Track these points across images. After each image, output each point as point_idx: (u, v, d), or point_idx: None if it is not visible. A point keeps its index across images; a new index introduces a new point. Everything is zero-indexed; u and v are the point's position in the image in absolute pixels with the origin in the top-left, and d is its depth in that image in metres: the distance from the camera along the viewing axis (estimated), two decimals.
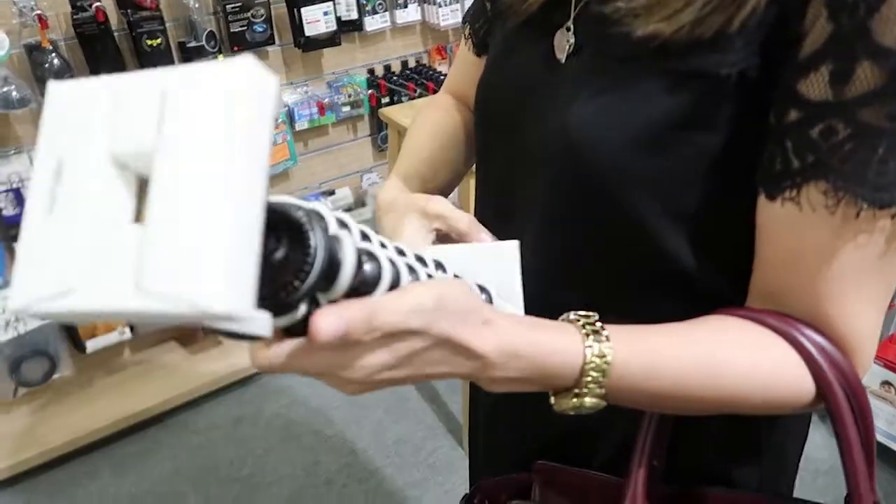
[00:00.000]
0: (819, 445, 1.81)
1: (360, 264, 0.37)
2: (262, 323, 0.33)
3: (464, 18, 0.77)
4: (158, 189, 0.31)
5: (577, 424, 0.49)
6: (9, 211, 1.69)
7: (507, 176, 0.63)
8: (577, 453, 0.61)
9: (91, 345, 1.90)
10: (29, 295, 0.32)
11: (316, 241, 0.34)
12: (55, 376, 1.89)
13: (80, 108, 0.33)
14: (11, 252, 1.74)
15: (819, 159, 0.43)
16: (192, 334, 2.16)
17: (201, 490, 1.86)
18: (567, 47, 0.56)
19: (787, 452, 0.68)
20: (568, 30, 0.56)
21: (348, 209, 2.32)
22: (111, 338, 1.94)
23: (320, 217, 0.36)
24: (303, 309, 0.36)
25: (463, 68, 0.78)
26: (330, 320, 0.35)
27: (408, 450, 1.93)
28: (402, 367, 0.40)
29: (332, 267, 0.36)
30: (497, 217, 0.62)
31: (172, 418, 2.06)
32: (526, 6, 0.59)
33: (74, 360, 1.96)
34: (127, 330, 1.96)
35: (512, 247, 0.52)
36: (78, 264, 0.31)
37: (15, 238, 1.72)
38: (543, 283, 0.52)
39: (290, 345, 0.37)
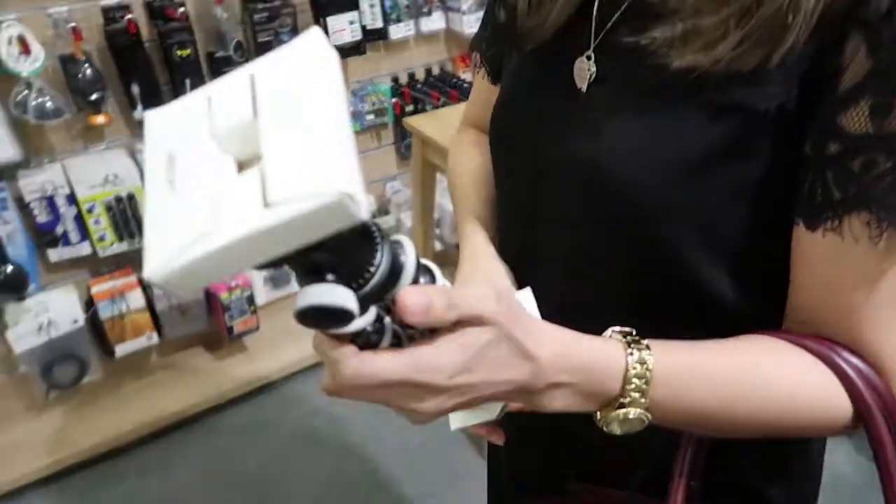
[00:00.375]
0: (842, 461, 1.79)
1: (418, 266, 0.41)
2: (346, 295, 0.36)
3: (471, 45, 0.76)
4: (268, 135, 0.33)
5: (611, 446, 0.50)
6: (42, 218, 1.72)
7: (528, 203, 0.62)
8: (612, 476, 0.62)
9: (120, 349, 1.93)
10: (166, 253, 0.32)
11: (381, 241, 0.38)
12: (85, 380, 1.93)
13: (179, 115, 0.37)
14: (44, 258, 1.78)
15: (861, 191, 0.44)
16: (218, 339, 2.19)
17: (225, 494, 1.88)
18: (588, 76, 0.56)
19: (814, 468, 0.68)
20: (588, 58, 0.56)
21: (372, 216, 2.32)
22: (140, 342, 1.97)
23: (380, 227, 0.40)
24: (372, 313, 0.39)
25: (481, 97, 0.78)
26: (415, 295, 0.38)
27: (429, 458, 1.94)
28: (474, 371, 0.41)
29: (396, 265, 0.39)
30: (523, 248, 0.63)
31: (198, 423, 2.08)
32: (541, 32, 0.58)
33: (104, 365, 2.00)
34: (154, 335, 1.99)
35: (527, 295, 0.57)
36: (206, 215, 0.32)
37: (49, 244, 1.75)
38: (576, 315, 0.51)
39: (376, 356, 0.39)
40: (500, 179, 0.68)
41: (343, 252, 0.36)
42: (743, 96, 0.47)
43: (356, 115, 2.16)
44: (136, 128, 1.84)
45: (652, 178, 0.50)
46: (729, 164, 0.48)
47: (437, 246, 2.40)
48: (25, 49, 1.57)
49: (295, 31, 1.95)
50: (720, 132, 0.48)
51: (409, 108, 2.26)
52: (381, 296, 0.39)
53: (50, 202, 1.71)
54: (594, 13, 0.56)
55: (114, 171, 1.75)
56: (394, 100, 2.23)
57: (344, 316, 0.36)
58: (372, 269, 0.37)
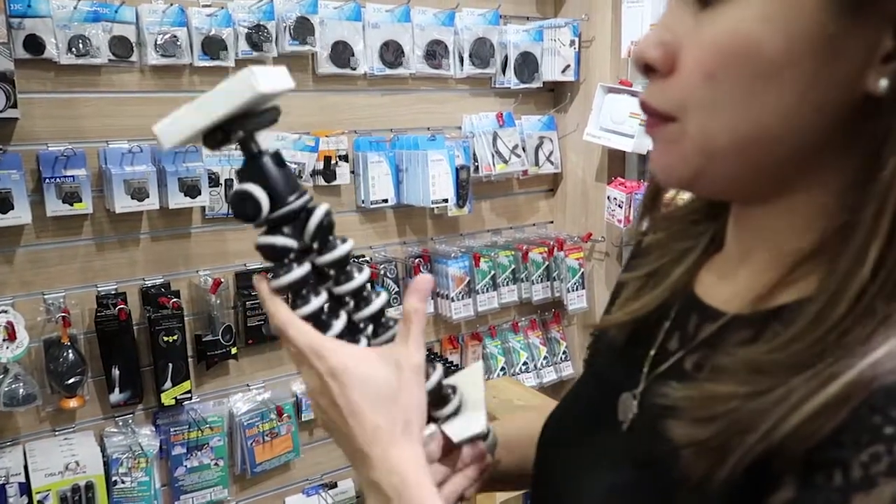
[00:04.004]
0: None
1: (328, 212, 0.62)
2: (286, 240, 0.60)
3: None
4: None
5: None
6: None
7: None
8: None
9: None
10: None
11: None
12: None
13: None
14: None
15: None
16: None
17: None
18: (630, 415, 0.56)
19: None
20: (634, 398, 0.57)
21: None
22: None
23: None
24: (297, 270, 0.59)
25: None
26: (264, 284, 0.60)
27: None
28: (350, 387, 0.55)
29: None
30: None
31: None
32: (614, 331, 0.63)
33: None
34: None
35: (478, 367, 0.70)
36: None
37: None
38: None
39: (294, 318, 0.59)
40: (534, 479, 0.69)
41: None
42: None
43: None
44: (110, 410, 1.79)
45: None
46: None
47: None
48: (11, 335, 1.58)
49: None
50: None
51: None
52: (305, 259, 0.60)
53: (0, 492, 1.61)
54: (651, 356, 0.58)
55: (77, 458, 1.67)
56: None
57: (284, 250, 0.59)
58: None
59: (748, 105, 0.44)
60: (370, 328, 0.60)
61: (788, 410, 0.40)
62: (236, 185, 0.57)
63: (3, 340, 1.57)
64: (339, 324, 0.59)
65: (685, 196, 0.64)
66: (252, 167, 0.58)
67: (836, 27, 0.40)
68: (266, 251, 0.58)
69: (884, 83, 0.41)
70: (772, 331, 0.47)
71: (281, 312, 0.58)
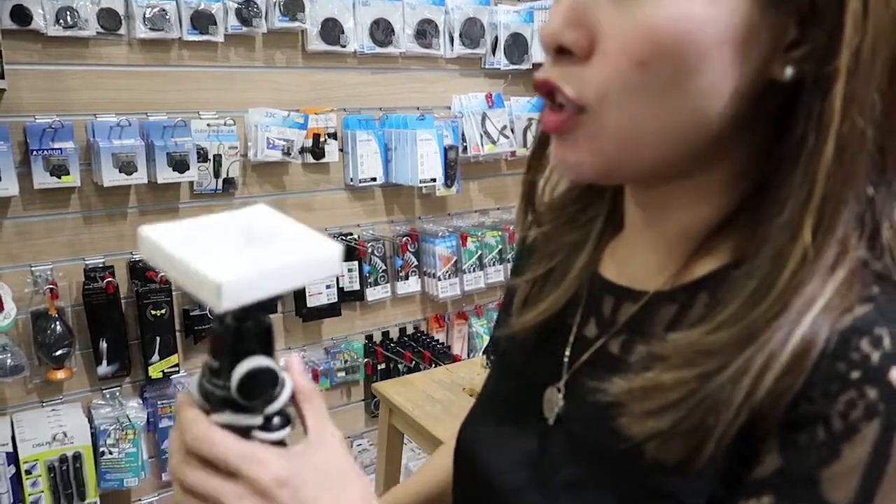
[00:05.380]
0: None
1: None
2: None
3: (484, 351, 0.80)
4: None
5: None
6: None
7: None
8: None
9: None
10: (231, 266, 0.41)
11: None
12: None
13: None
14: None
15: None
16: None
17: None
18: (556, 409, 0.55)
19: None
20: (559, 391, 0.55)
21: None
22: None
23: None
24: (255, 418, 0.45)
25: None
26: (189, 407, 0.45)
27: None
28: (302, 482, 0.44)
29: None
30: None
31: None
32: (524, 332, 0.59)
33: None
34: None
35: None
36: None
37: None
38: None
39: (223, 431, 0.44)
40: (454, 487, 0.65)
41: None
42: (675, 486, 0.45)
43: (327, 373, 2.15)
44: (97, 383, 1.80)
45: None
46: None
47: None
48: None
49: None
50: None
51: (382, 366, 2.26)
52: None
53: None
54: (569, 345, 0.56)
55: (64, 429, 1.68)
56: (366, 360, 2.24)
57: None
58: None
59: (676, 92, 0.43)
60: (277, 419, 0.47)
61: (755, 379, 0.41)
62: (244, 365, 0.43)
63: None
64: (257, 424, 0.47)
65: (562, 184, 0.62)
66: (255, 337, 0.45)
67: (758, 14, 0.42)
68: (234, 430, 0.45)
69: (789, 71, 0.43)
70: (700, 304, 0.48)
71: (201, 423, 0.44)
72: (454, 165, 2.30)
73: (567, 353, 0.56)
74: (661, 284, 0.51)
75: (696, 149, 0.46)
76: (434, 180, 2.20)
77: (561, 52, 0.45)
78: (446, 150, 2.24)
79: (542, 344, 0.59)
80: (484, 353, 0.79)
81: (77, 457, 1.68)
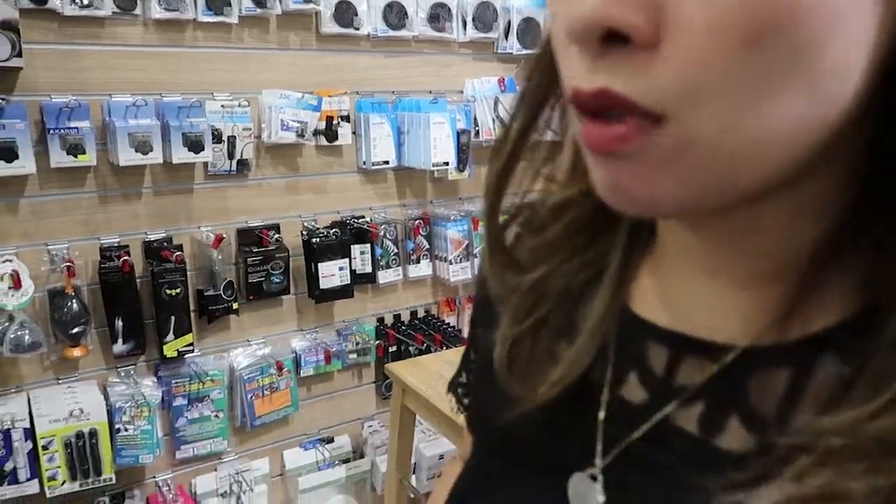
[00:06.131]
0: None
1: None
2: None
3: (449, 387, 0.63)
4: None
5: None
6: None
7: None
8: None
9: None
10: None
11: None
12: None
13: None
14: None
15: None
16: None
17: None
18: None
19: None
20: (593, 478, 0.40)
21: (346, 459, 2.24)
22: None
23: None
24: None
25: (467, 441, 0.64)
26: None
27: None
28: None
29: None
30: None
31: None
32: (524, 414, 0.43)
33: None
34: None
35: None
36: None
37: None
38: None
39: None
40: None
41: None
42: None
43: (339, 355, 2.16)
44: (113, 361, 1.82)
45: None
46: None
47: (411, 494, 2.27)
48: (16, 284, 1.60)
49: (286, 274, 2.01)
50: None
51: (393, 348, 2.27)
52: None
53: (5, 436, 1.64)
54: (601, 413, 0.41)
55: (80, 406, 1.70)
56: (377, 342, 2.25)
57: None
58: None
59: (799, 75, 0.29)
60: None
61: None
62: None
63: (9, 288, 1.59)
64: None
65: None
66: None
67: None
68: None
69: None
70: (827, 370, 0.35)
71: None
72: (466, 149, 2.30)
73: (600, 426, 0.41)
74: (753, 338, 0.36)
75: (816, 150, 0.31)
76: (447, 164, 2.20)
77: (609, 41, 0.30)
78: (459, 134, 2.24)
79: (557, 414, 0.43)
80: (450, 390, 0.62)
81: (93, 433, 1.70)
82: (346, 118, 2.12)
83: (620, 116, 0.31)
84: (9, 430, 1.64)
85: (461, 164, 2.28)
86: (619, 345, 0.42)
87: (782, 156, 0.30)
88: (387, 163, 2.18)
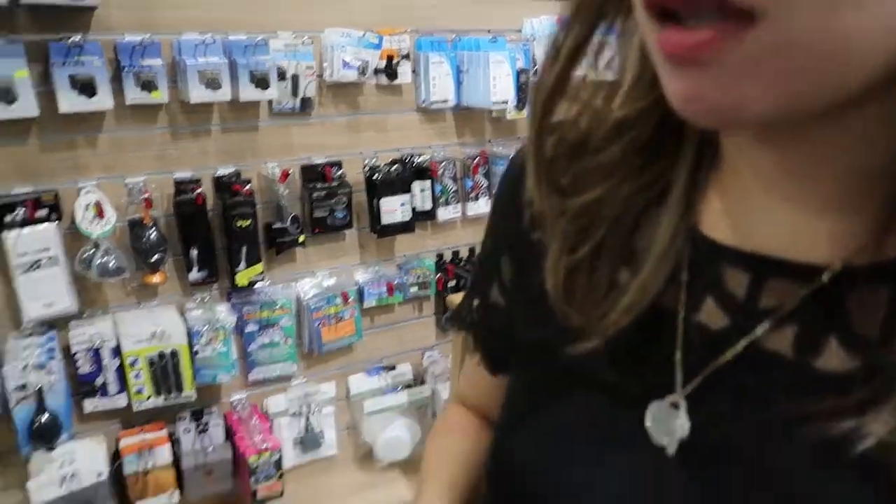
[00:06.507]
0: None
1: None
2: None
3: (454, 318, 0.63)
4: None
5: None
6: (84, 369, 1.78)
7: None
8: None
9: None
10: None
11: None
12: None
13: None
14: (79, 407, 1.81)
15: None
16: (241, 499, 2.13)
17: None
18: (678, 435, 0.38)
19: None
20: (675, 406, 0.39)
21: (408, 385, 2.33)
22: (160, 501, 1.93)
23: None
24: None
25: (473, 380, 0.65)
26: None
27: None
28: None
29: None
30: None
31: None
32: (590, 342, 0.41)
33: None
34: (176, 494, 1.95)
35: None
36: None
37: (86, 394, 1.79)
38: None
39: None
40: None
41: None
42: None
43: (400, 287, 2.23)
44: (189, 288, 1.94)
45: None
46: None
47: None
48: (100, 213, 1.72)
49: (349, 209, 2.08)
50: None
51: (452, 283, 2.32)
52: None
53: (95, 354, 1.78)
54: (678, 339, 0.39)
55: (161, 328, 1.82)
56: (438, 275, 2.30)
57: None
58: None
59: None
60: None
61: None
62: None
63: (94, 217, 1.70)
64: None
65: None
66: None
67: None
68: None
69: None
70: None
71: None
72: (525, 89, 2.29)
73: (678, 352, 0.39)
74: (845, 259, 0.35)
75: None
76: (506, 103, 2.21)
77: None
78: (518, 74, 2.24)
79: (627, 343, 0.41)
80: (451, 320, 0.58)
81: (174, 353, 1.83)
82: (407, 57, 2.14)
83: (699, 21, 0.28)
84: (98, 348, 1.78)
85: (520, 103, 2.28)
86: (691, 269, 0.40)
87: (875, 58, 0.27)
88: (446, 102, 2.20)
